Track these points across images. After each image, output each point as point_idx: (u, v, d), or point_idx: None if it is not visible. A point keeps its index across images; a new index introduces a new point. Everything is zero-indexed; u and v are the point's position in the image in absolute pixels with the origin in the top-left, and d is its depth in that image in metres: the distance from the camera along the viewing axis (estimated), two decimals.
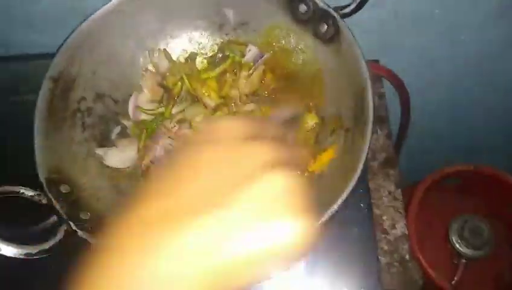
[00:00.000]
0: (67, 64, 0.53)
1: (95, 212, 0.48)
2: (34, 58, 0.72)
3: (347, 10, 0.52)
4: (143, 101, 0.60)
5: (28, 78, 0.69)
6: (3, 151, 0.66)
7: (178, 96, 0.59)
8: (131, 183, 0.56)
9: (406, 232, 0.68)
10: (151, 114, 0.59)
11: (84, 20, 0.53)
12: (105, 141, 0.57)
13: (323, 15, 0.53)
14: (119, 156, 0.56)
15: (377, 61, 0.77)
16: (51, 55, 0.53)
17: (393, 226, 0.69)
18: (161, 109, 0.59)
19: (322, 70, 0.57)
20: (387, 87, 0.77)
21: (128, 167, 0.57)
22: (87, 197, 0.50)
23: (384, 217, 0.69)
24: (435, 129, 0.93)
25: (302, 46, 0.58)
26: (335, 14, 0.52)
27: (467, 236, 0.88)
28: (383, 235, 0.68)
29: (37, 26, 0.71)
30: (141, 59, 0.60)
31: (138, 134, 0.58)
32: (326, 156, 0.53)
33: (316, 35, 0.55)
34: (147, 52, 0.60)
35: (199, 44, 0.62)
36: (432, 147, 0.95)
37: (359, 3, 0.51)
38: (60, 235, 0.43)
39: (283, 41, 0.59)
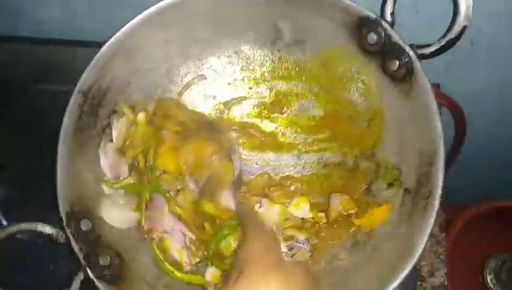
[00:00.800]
0: (100, 75, 0.47)
1: (116, 255, 0.44)
2: (72, 44, 0.67)
3: (426, 51, 0.43)
4: (110, 148, 0.48)
5: (65, 66, 0.64)
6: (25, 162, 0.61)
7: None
8: None
9: (446, 283, 0.63)
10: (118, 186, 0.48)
11: (123, 27, 0.47)
12: None
13: (396, 51, 0.45)
14: (118, 215, 0.46)
15: (437, 85, 0.69)
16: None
17: (431, 274, 0.63)
18: (128, 180, 0.47)
19: (385, 109, 0.50)
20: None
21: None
22: (109, 233, 0.45)
23: (423, 263, 0.63)
24: (487, 159, 0.85)
25: (364, 78, 0.51)
26: (411, 53, 0.44)
27: (503, 277, 0.82)
28: (419, 283, 0.62)
29: (79, 10, 0.65)
30: (182, 68, 0.54)
31: (136, 194, 0.48)
32: (379, 213, 0.46)
33: (384, 70, 0.47)
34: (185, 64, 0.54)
35: (247, 58, 0.54)
36: (481, 177, 0.88)
37: (443, 46, 0.43)
38: (75, 286, 0.38)
39: (341, 68, 0.52)
